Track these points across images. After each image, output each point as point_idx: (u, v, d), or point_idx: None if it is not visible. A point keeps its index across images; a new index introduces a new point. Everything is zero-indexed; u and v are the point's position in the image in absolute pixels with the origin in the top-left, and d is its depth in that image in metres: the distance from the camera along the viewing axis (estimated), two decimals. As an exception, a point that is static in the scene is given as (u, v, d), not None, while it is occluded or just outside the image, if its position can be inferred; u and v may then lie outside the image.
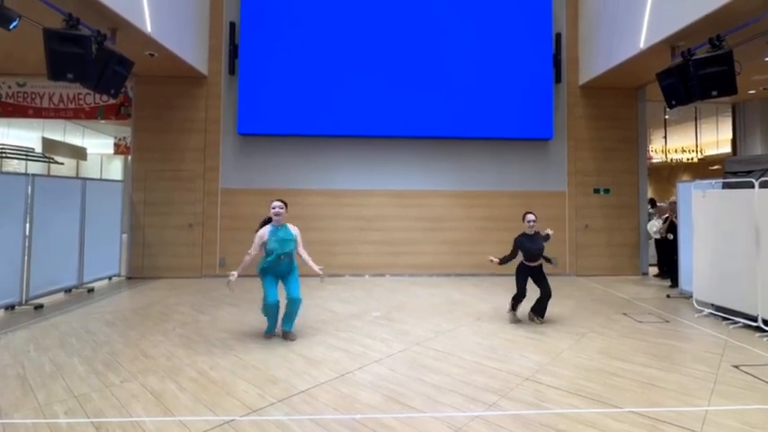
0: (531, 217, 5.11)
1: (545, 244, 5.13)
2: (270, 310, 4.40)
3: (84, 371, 3.64)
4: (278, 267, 4.38)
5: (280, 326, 4.56)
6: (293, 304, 4.43)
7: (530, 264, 5.11)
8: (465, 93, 8.33)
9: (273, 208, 4.36)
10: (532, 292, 5.14)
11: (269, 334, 4.55)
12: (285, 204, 4.44)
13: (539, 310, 5.16)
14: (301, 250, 4.46)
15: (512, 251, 5.13)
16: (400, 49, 8.29)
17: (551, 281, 5.20)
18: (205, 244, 8.19)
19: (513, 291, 5.20)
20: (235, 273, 4.26)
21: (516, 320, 5.21)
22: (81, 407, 3.00)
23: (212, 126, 8.33)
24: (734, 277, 5.19)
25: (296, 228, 4.49)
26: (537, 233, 5.13)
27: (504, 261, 5.09)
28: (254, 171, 8.34)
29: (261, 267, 4.40)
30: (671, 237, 7.50)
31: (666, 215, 7.81)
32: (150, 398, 3.14)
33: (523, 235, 5.13)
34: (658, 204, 8.61)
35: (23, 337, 4.57)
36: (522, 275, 5.16)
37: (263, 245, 4.33)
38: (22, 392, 3.23)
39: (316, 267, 4.39)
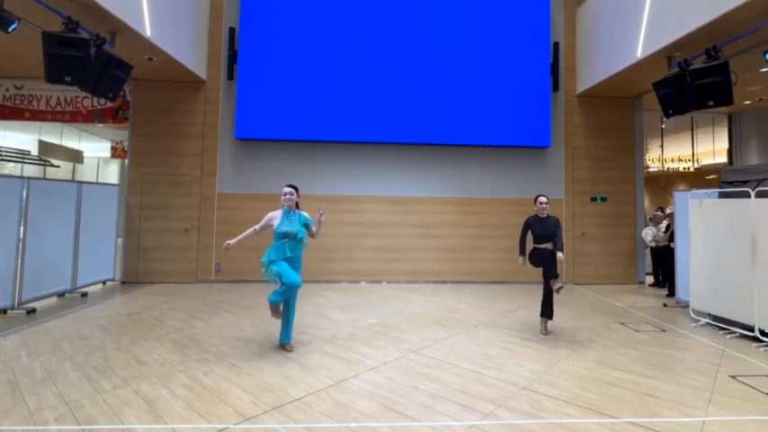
0: (542, 198, 4.95)
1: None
2: (291, 291, 4.09)
3: (75, 377, 3.59)
4: (288, 254, 4.15)
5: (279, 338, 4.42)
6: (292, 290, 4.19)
7: (539, 246, 4.89)
8: (463, 100, 8.36)
9: (284, 194, 4.26)
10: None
11: (286, 344, 4.29)
12: (296, 190, 4.35)
13: (545, 312, 4.97)
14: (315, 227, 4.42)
15: (521, 232, 5.02)
16: (398, 55, 8.33)
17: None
18: (201, 249, 8.15)
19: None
20: (232, 241, 4.13)
21: (546, 332, 4.99)
22: (72, 413, 2.96)
23: (210, 131, 8.32)
24: (730, 287, 5.20)
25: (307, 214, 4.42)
26: (549, 217, 4.90)
27: (522, 249, 4.96)
28: (252, 176, 8.32)
29: (268, 258, 4.12)
30: (672, 245, 7.51)
31: (665, 223, 7.82)
32: (142, 405, 3.10)
33: (534, 216, 4.98)
34: (654, 213, 8.63)
35: (15, 341, 4.51)
36: (536, 262, 4.94)
37: (271, 226, 4.21)
38: (13, 398, 3.18)
39: (318, 219, 4.36)
